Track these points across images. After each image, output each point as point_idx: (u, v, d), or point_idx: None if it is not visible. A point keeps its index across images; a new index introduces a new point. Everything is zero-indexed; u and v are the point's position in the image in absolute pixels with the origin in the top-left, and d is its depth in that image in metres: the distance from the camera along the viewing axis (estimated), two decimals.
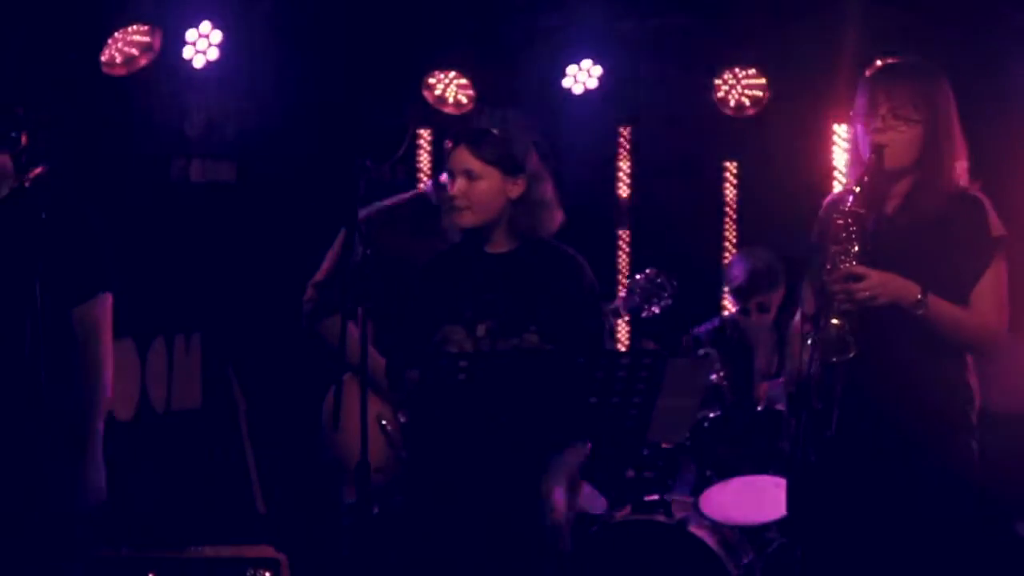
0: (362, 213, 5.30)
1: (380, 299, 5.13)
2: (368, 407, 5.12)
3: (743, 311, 6.90)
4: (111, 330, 4.70)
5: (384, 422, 5.23)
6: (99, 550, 5.50)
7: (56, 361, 4.60)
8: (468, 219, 4.59)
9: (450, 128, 4.78)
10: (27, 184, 4.59)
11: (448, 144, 4.68)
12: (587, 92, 7.39)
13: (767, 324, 6.86)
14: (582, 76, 7.36)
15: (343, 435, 5.18)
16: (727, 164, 8.22)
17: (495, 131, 4.58)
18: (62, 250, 4.60)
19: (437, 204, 5.27)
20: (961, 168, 4.34)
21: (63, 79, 5.90)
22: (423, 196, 5.41)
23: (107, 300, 4.70)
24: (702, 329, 7.05)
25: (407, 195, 5.43)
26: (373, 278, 4.63)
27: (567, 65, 7.35)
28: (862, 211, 4.22)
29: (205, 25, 6.42)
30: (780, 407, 6.39)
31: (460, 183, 4.58)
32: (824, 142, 7.53)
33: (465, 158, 4.58)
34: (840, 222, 4.22)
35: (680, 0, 7.35)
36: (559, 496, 4.66)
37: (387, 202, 5.39)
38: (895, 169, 4.30)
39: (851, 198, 4.25)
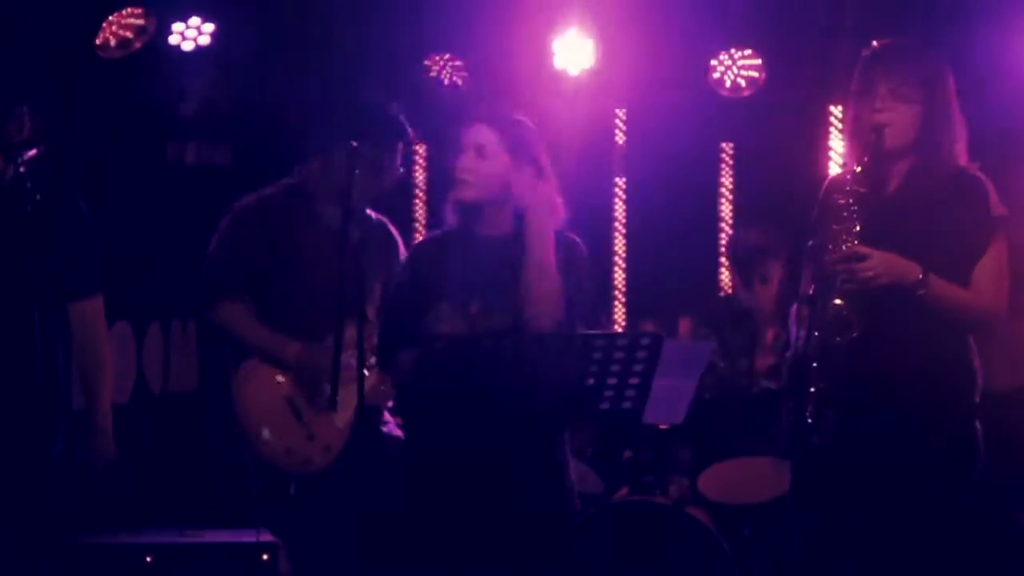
0: (237, 204, 5.34)
1: (260, 283, 5.19)
2: (274, 387, 5.15)
3: (746, 283, 6.86)
4: (103, 326, 4.75)
5: (299, 408, 5.21)
6: (96, 533, 5.51)
7: (53, 348, 4.63)
8: (467, 194, 4.59)
9: (471, 103, 4.77)
10: (22, 168, 4.59)
11: (467, 117, 4.67)
12: (582, 74, 7.36)
13: (770, 297, 6.82)
14: (573, 59, 7.31)
15: (261, 422, 5.18)
16: (723, 146, 8.21)
17: (514, 116, 4.58)
18: (60, 244, 4.61)
19: (311, 193, 5.30)
20: (961, 148, 4.34)
21: (58, 62, 5.89)
22: (295, 186, 5.41)
23: (100, 299, 4.75)
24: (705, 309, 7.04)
25: (279, 185, 5.43)
26: (364, 264, 4.66)
27: (558, 45, 7.32)
28: (863, 190, 4.22)
29: (195, 20, 6.43)
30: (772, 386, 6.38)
31: (468, 156, 4.57)
32: (820, 123, 7.53)
33: (479, 133, 4.57)
34: (841, 202, 4.22)
35: None
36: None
37: (263, 191, 5.39)
38: (895, 149, 4.29)
39: (851, 178, 4.24)
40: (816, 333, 4.14)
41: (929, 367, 4.26)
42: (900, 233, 4.24)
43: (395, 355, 4.67)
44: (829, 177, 4.54)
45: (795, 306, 4.55)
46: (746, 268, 6.86)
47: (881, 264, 4.17)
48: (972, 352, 4.33)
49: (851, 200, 4.21)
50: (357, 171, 4.67)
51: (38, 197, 4.58)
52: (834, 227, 4.21)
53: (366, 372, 5.09)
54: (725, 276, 8.05)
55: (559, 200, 4.66)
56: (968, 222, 4.26)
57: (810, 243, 4.31)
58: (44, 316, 4.56)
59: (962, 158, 4.34)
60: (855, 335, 4.14)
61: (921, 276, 4.18)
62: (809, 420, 4.14)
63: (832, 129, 7.46)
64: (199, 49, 6.52)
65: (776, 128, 7.64)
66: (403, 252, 5.33)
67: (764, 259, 6.81)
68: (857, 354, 4.18)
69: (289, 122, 6.60)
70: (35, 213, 4.57)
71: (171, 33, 6.52)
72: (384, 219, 5.44)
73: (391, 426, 5.32)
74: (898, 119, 4.26)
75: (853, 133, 4.38)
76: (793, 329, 4.49)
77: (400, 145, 5.34)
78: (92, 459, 4.71)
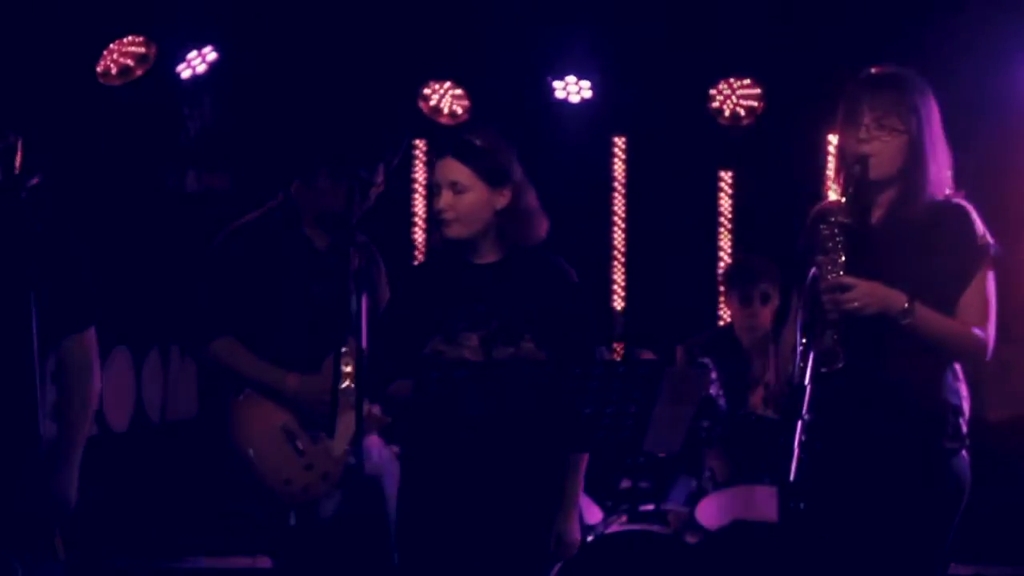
0: (218, 239, 5.34)
1: (252, 310, 5.20)
2: (271, 417, 5.15)
3: (745, 301, 6.83)
4: (98, 358, 4.73)
5: (296, 438, 5.22)
6: (94, 561, 5.51)
7: (43, 380, 4.62)
8: (455, 231, 4.57)
9: (437, 140, 4.80)
10: (24, 195, 4.59)
11: (434, 156, 4.70)
12: (582, 102, 7.39)
13: (764, 328, 6.82)
14: (572, 88, 7.36)
15: (259, 453, 5.18)
16: (722, 174, 8.23)
17: (479, 142, 4.58)
18: (54, 277, 4.61)
19: (297, 217, 5.31)
20: (946, 176, 4.34)
21: (59, 89, 5.92)
22: (279, 210, 5.41)
23: (92, 332, 4.73)
24: (699, 338, 7.03)
25: (264, 209, 5.44)
26: (370, 288, 4.66)
27: (560, 78, 7.36)
28: (847, 221, 4.23)
29: (205, 48, 6.48)
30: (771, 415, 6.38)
31: (446, 196, 4.56)
32: (819, 151, 7.55)
33: (451, 170, 4.56)
34: (827, 232, 4.23)
35: (676, 10, 7.35)
36: (575, 530, 4.68)
37: (248, 217, 5.40)
38: (880, 179, 4.29)
39: (837, 208, 4.26)
40: (809, 362, 4.14)
41: (916, 397, 4.25)
42: (886, 263, 4.24)
43: (387, 385, 4.66)
44: (818, 205, 4.54)
45: (782, 335, 4.55)
46: (747, 283, 6.83)
47: (866, 294, 4.17)
48: (960, 382, 4.33)
49: (836, 231, 4.22)
50: (352, 197, 4.70)
51: (39, 227, 4.59)
52: (820, 258, 4.22)
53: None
54: (724, 305, 8.06)
55: (539, 209, 4.66)
56: (953, 251, 4.25)
57: (811, 271, 4.30)
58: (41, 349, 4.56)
59: (947, 187, 4.34)
60: (840, 366, 4.14)
61: (907, 305, 4.18)
62: (799, 449, 4.14)
63: (831, 157, 7.48)
64: (199, 77, 6.56)
65: (775, 156, 7.67)
66: (384, 272, 5.36)
67: (766, 276, 6.80)
68: (845, 383, 4.18)
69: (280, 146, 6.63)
70: (35, 243, 4.58)
71: (172, 61, 6.55)
72: (366, 239, 5.44)
73: (377, 452, 5.31)
74: (883, 149, 4.26)
75: (839, 163, 4.39)
76: (785, 358, 4.48)
77: (382, 166, 5.34)
78: (64, 495, 4.64)
